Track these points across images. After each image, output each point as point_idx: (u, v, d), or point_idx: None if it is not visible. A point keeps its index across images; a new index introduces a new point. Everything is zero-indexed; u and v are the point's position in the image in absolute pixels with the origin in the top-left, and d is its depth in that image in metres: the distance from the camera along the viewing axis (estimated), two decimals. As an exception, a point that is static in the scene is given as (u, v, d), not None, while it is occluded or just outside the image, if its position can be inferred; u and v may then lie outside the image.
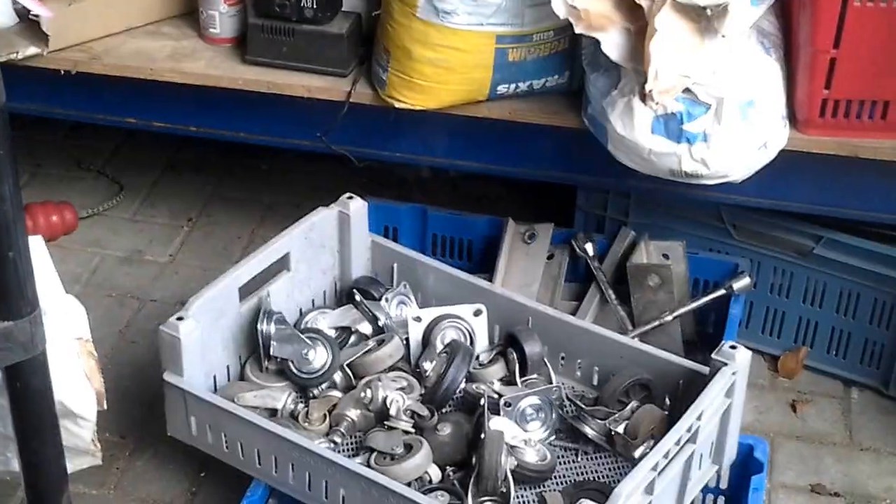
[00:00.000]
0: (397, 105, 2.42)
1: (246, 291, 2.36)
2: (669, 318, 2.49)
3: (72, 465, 1.68)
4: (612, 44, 2.19)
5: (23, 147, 3.20)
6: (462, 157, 2.55)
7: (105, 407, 1.84)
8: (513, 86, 2.41)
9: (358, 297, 2.46)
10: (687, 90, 2.19)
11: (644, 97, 2.16)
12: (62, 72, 2.54)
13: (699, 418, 2.01)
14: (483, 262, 2.70)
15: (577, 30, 2.20)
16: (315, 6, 2.47)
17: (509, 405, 2.18)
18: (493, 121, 2.45)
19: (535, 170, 2.54)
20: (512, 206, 2.91)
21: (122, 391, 2.56)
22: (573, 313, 2.55)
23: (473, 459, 2.08)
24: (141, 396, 2.55)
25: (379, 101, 2.46)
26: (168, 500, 2.37)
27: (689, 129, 2.20)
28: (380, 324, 2.42)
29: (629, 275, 2.54)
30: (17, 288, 1.46)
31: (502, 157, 2.53)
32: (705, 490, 2.22)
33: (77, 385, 1.69)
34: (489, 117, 2.44)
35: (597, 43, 2.21)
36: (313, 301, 2.51)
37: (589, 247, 2.62)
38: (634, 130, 2.23)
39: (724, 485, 2.23)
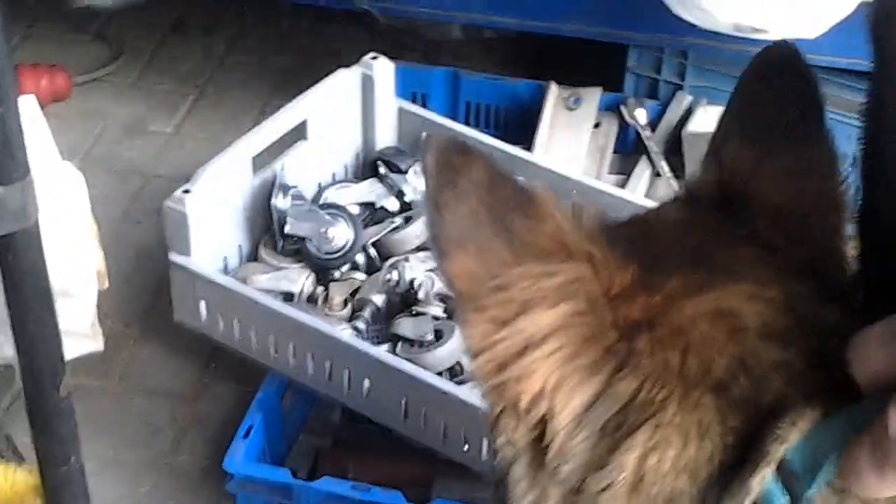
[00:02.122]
0: (426, -47, 2.40)
1: (259, 163, 2.36)
2: (724, 191, 2.48)
3: (70, 350, 1.69)
4: None
5: (12, 4, 3.19)
6: (498, 12, 2.54)
7: (107, 286, 1.86)
8: (555, -72, 2.39)
9: (383, 170, 2.46)
10: (756, -69, 2.16)
11: (703, -59, 2.13)
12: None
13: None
14: (521, 131, 2.69)
15: None
16: None
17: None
18: (534, -29, 2.43)
19: (580, 25, 2.53)
20: (552, 70, 2.88)
21: (126, 276, 2.58)
22: (621, 187, 2.55)
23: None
24: (146, 282, 2.57)
25: (403, -50, 2.44)
26: (176, 392, 2.40)
27: (757, -23, 2.18)
28: (407, 199, 2.42)
29: (684, 144, 2.53)
30: (6, 149, 1.45)
31: (543, 11, 2.51)
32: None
33: (75, 262, 1.71)
34: (529, -34, 2.43)
35: None
36: (333, 175, 2.52)
37: (640, 113, 2.61)
38: (693, -20, 2.21)
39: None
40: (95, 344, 1.85)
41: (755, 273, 0.93)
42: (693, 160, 2.52)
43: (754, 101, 1.05)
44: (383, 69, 2.46)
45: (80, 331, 1.76)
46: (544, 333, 0.89)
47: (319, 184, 2.49)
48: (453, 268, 0.90)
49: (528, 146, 2.59)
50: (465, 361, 2.14)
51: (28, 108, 1.72)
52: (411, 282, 2.23)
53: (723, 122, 1.06)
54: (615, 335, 0.90)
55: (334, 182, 2.50)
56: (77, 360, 1.89)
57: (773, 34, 2.22)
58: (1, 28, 1.39)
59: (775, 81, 1.02)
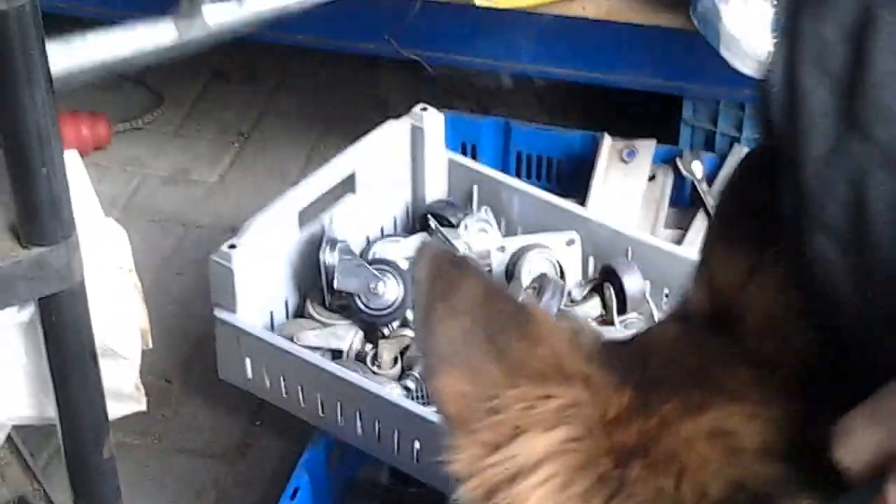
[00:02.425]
0: (478, 2, 2.38)
1: (306, 217, 2.35)
2: (788, 248, 2.44)
3: (114, 410, 1.67)
4: (727, -72, 2.15)
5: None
6: (550, 63, 2.52)
7: (150, 345, 1.84)
8: (614, -21, 2.37)
9: (433, 224, 2.44)
10: (815, -16, 2.13)
11: (763, -9, 2.11)
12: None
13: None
14: (574, 183, 2.66)
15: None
16: None
17: (606, 347, 2.15)
18: (587, 20, 2.40)
19: (635, 77, 2.51)
20: (604, 119, 2.86)
21: (167, 329, 2.56)
22: (679, 242, 2.52)
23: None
24: (188, 335, 2.55)
25: (457, -1, 2.43)
26: (218, 453, 2.38)
27: (816, 30, 2.14)
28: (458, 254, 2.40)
29: (742, 199, 2.49)
30: (52, 209, 1.45)
31: (597, 61, 2.50)
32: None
33: (119, 321, 1.69)
34: (582, 16, 2.40)
35: (709, -72, 2.16)
36: (382, 229, 2.50)
37: (696, 167, 2.58)
38: (751, 30, 2.18)
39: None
40: (139, 404, 1.83)
41: (753, 393, 0.91)
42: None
43: (744, 206, 1.00)
44: (433, 120, 2.45)
45: (123, 391, 1.74)
46: (537, 459, 0.87)
47: (368, 238, 2.47)
48: (444, 387, 0.88)
49: (581, 199, 2.56)
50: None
51: (70, 162, 1.70)
52: (461, 338, 2.19)
53: (713, 226, 1.03)
54: (609, 462, 0.88)
55: (383, 236, 2.48)
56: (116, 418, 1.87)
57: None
58: (46, 90, 1.38)
59: (765, 185, 0.98)
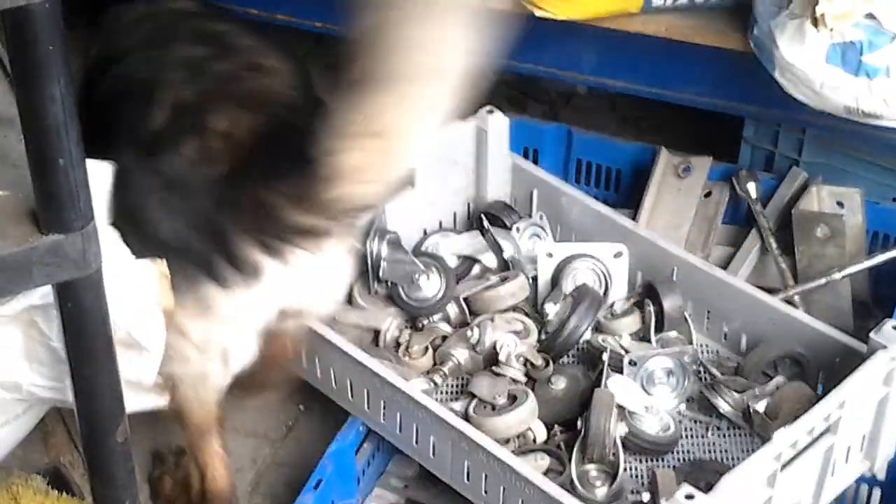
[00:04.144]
0: (537, 13, 2.37)
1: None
2: (838, 275, 2.39)
3: (131, 403, 1.68)
4: (783, -45, 2.11)
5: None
6: (611, 76, 2.50)
7: (176, 332, 1.85)
8: (671, -2, 2.34)
9: (486, 224, 2.43)
10: (870, 15, 2.09)
11: (816, 21, 2.06)
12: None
13: (841, 407, 1.93)
14: (631, 193, 2.65)
15: (745, -62, 2.12)
16: None
17: (634, 364, 2.13)
18: (647, 37, 2.38)
19: (694, 95, 2.47)
20: (674, 132, 2.83)
21: (224, 309, 2.59)
22: (729, 260, 2.49)
23: (579, 422, 2.04)
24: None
25: (517, 7, 2.40)
26: (261, 433, 2.39)
27: (869, 62, 2.10)
28: (505, 256, 2.39)
29: (795, 222, 2.45)
30: (69, 197, 1.46)
31: (656, 78, 2.47)
32: (859, 479, 2.14)
33: (145, 312, 1.70)
34: (642, 33, 2.37)
35: (767, -46, 2.12)
36: (440, 222, 2.51)
37: (752, 186, 2.53)
38: (805, 58, 2.14)
39: (881, 476, 2.14)
40: (161, 398, 1.84)
41: None
42: (802, 239, 2.43)
43: None
44: (498, 124, 2.44)
45: (143, 383, 1.75)
46: None
47: (425, 230, 2.48)
48: None
49: (636, 209, 2.53)
50: (536, 428, 2.10)
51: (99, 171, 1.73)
52: (494, 342, 2.20)
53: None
54: None
55: (440, 230, 2.49)
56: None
57: (886, 119, 2.15)
58: (65, 85, 1.39)
59: None
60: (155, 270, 1.70)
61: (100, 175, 1.68)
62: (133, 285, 1.69)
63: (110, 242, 1.68)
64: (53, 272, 1.50)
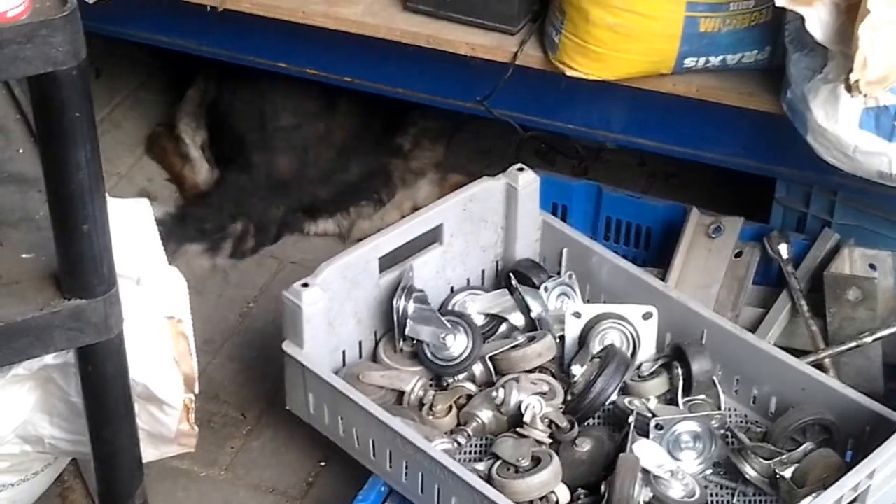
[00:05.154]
0: (568, 73, 2.35)
1: (389, 262, 2.36)
2: (869, 339, 2.36)
3: (156, 452, 1.68)
4: (818, 21, 2.08)
5: (164, 87, 3.24)
6: (641, 135, 2.48)
7: (196, 392, 1.84)
8: (702, 59, 2.32)
9: (514, 283, 2.42)
10: (904, 81, 2.06)
11: (850, 87, 2.03)
12: (208, 7, 2.54)
13: (870, 476, 1.90)
14: (661, 251, 2.62)
15: (779, 2, 2.11)
16: (488, -49, 2.42)
17: (661, 428, 2.11)
18: (678, 98, 2.36)
19: (725, 155, 2.45)
20: (700, 189, 2.81)
21: (248, 362, 2.58)
22: (759, 321, 2.47)
23: (603, 486, 2.01)
24: (267, 370, 2.55)
25: (549, 66, 2.40)
26: (281, 489, 2.37)
27: (903, 127, 2.08)
28: (533, 315, 2.38)
29: (826, 285, 2.42)
30: (92, 264, 1.46)
31: (687, 138, 2.45)
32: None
33: (163, 368, 1.69)
34: (673, 93, 2.36)
35: (801, 18, 2.10)
36: (468, 280, 2.49)
37: (783, 248, 2.51)
38: (839, 123, 2.12)
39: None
40: (180, 447, 1.83)
41: None
42: (833, 302, 2.40)
43: None
44: (528, 181, 2.42)
45: (163, 435, 1.74)
46: None
47: (452, 287, 2.46)
48: None
49: (666, 268, 2.51)
50: (559, 491, 2.08)
51: (141, 210, 1.72)
52: (518, 403, 2.18)
53: None
54: None
55: (467, 287, 2.47)
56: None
57: (919, 185, 2.13)
58: (91, 151, 1.39)
59: None
60: (172, 328, 1.69)
61: (141, 212, 1.68)
62: (151, 341, 1.68)
63: (129, 297, 1.67)
64: (75, 337, 1.50)
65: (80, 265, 1.45)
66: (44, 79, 1.33)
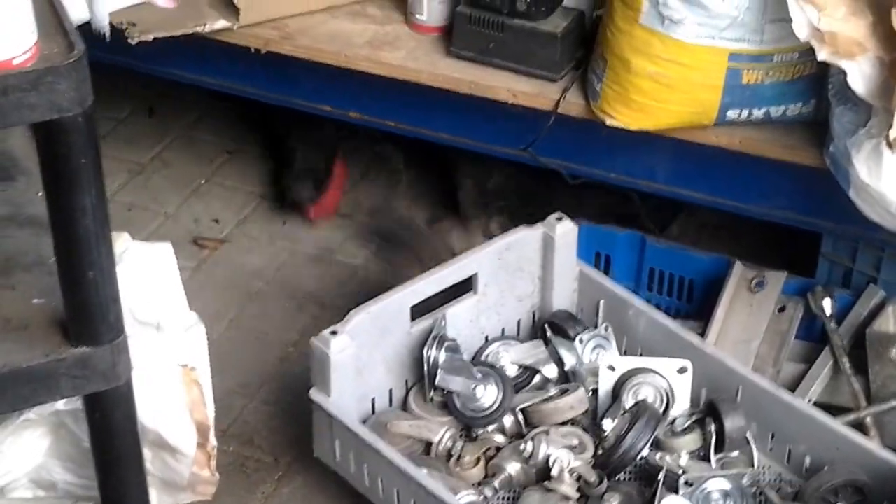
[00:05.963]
0: (608, 122, 2.32)
1: (421, 310, 2.33)
2: (912, 399, 2.30)
3: (170, 500, 1.66)
4: (861, 75, 2.04)
5: (217, 127, 3.24)
6: (684, 186, 2.44)
7: (213, 442, 1.82)
8: (745, 111, 2.28)
9: (549, 335, 2.38)
10: (949, 138, 2.01)
11: (890, 143, 1.98)
12: (252, 50, 2.53)
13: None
14: (703, 304, 2.57)
15: (820, 57, 2.06)
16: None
17: (690, 485, 2.06)
18: (720, 150, 2.32)
19: (768, 208, 2.41)
20: (743, 242, 2.76)
21: (284, 406, 2.55)
22: (800, 377, 2.41)
23: (629, 544, 1.98)
24: (302, 415, 2.50)
25: (590, 115, 2.36)
26: (308, 538, 2.34)
27: (946, 185, 2.02)
28: (566, 368, 2.34)
29: (868, 342, 2.36)
30: (98, 311, 1.44)
31: (730, 190, 2.40)
32: None
33: (176, 416, 1.67)
34: (716, 145, 2.31)
35: (844, 72, 2.05)
36: (503, 329, 2.45)
37: (827, 303, 2.45)
38: (882, 180, 2.07)
39: None
40: (195, 495, 1.81)
41: None
42: (876, 360, 2.34)
43: None
44: (566, 231, 2.39)
45: (176, 482, 1.72)
46: None
47: (486, 337, 2.43)
48: None
49: (708, 320, 2.46)
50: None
51: (162, 254, 1.71)
52: (547, 457, 2.14)
53: None
54: None
55: (502, 337, 2.44)
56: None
57: (963, 245, 2.07)
58: (97, 196, 1.37)
59: None
60: (185, 376, 1.68)
61: (163, 256, 1.67)
62: (164, 389, 1.66)
63: (144, 344, 1.66)
64: (81, 384, 1.48)
65: (86, 312, 1.43)
66: (49, 125, 1.32)
